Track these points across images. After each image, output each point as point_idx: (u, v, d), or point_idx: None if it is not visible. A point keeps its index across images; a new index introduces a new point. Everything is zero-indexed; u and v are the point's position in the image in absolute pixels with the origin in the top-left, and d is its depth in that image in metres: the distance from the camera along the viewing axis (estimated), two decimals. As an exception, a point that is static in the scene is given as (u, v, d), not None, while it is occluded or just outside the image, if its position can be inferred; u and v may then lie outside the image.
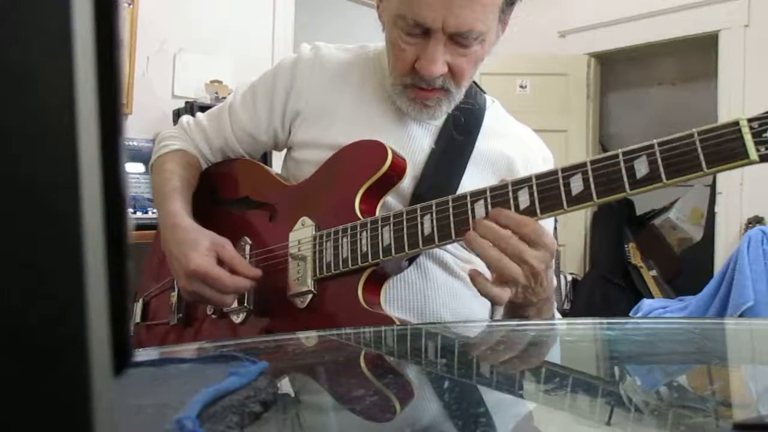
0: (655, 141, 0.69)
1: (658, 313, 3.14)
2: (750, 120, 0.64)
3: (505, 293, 0.76)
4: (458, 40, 0.86)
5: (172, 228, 0.94)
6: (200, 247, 0.88)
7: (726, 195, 3.36)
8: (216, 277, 0.87)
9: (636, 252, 3.98)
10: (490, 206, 0.77)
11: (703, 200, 4.07)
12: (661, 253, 4.11)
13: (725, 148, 0.64)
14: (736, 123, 0.64)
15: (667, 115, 4.34)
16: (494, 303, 0.86)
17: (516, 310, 0.82)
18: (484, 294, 0.77)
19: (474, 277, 0.77)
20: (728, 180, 3.25)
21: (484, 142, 1.00)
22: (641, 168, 0.69)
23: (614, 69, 4.37)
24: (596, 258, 3.90)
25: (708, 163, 0.65)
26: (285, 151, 1.10)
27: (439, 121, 0.99)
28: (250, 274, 0.91)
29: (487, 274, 0.78)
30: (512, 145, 1.03)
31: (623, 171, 0.70)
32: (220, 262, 0.89)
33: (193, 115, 1.17)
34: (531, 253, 0.75)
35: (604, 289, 3.77)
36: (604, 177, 0.71)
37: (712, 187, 3.63)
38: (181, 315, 1.04)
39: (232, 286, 0.89)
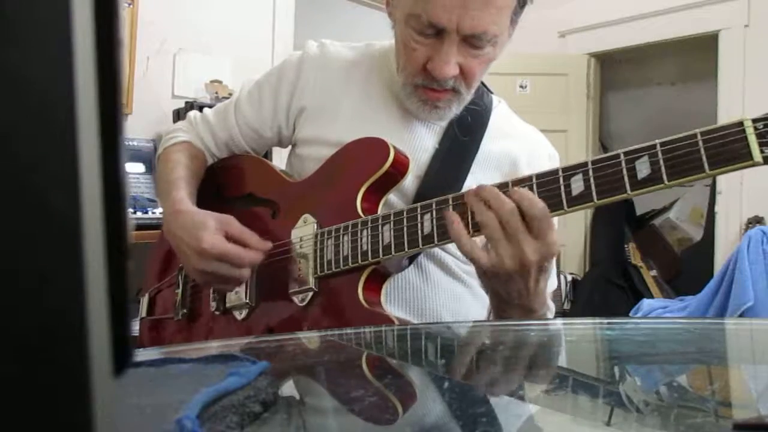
0: (657, 141, 0.67)
1: (658, 313, 3.14)
2: (755, 120, 0.62)
3: (483, 257, 0.74)
4: (472, 41, 0.85)
5: (175, 214, 0.94)
6: (208, 227, 0.88)
7: (726, 195, 3.36)
8: (230, 252, 0.87)
9: (636, 252, 3.98)
10: None
11: (703, 200, 4.07)
12: (661, 253, 4.12)
13: (729, 149, 0.63)
14: (741, 123, 0.63)
15: (667, 115, 4.34)
16: (470, 261, 0.79)
17: (500, 307, 0.81)
18: (460, 247, 0.76)
19: (455, 225, 0.75)
20: (728, 180, 3.24)
21: (490, 143, 1.00)
22: (643, 168, 0.68)
23: (614, 69, 4.37)
24: (596, 258, 3.90)
25: (711, 165, 0.64)
26: (289, 147, 1.10)
27: (444, 121, 0.98)
28: (261, 247, 0.90)
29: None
30: (517, 145, 1.02)
31: (624, 171, 0.69)
32: (229, 238, 0.89)
33: (194, 114, 1.18)
34: (529, 240, 0.72)
35: (604, 289, 3.77)
36: (605, 177, 0.70)
37: (712, 186, 3.63)
38: (185, 311, 1.05)
39: (247, 259, 0.88)
